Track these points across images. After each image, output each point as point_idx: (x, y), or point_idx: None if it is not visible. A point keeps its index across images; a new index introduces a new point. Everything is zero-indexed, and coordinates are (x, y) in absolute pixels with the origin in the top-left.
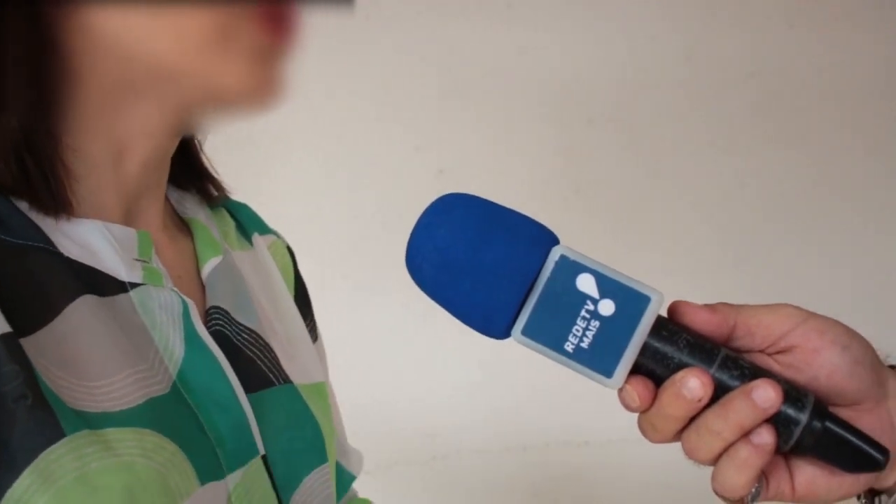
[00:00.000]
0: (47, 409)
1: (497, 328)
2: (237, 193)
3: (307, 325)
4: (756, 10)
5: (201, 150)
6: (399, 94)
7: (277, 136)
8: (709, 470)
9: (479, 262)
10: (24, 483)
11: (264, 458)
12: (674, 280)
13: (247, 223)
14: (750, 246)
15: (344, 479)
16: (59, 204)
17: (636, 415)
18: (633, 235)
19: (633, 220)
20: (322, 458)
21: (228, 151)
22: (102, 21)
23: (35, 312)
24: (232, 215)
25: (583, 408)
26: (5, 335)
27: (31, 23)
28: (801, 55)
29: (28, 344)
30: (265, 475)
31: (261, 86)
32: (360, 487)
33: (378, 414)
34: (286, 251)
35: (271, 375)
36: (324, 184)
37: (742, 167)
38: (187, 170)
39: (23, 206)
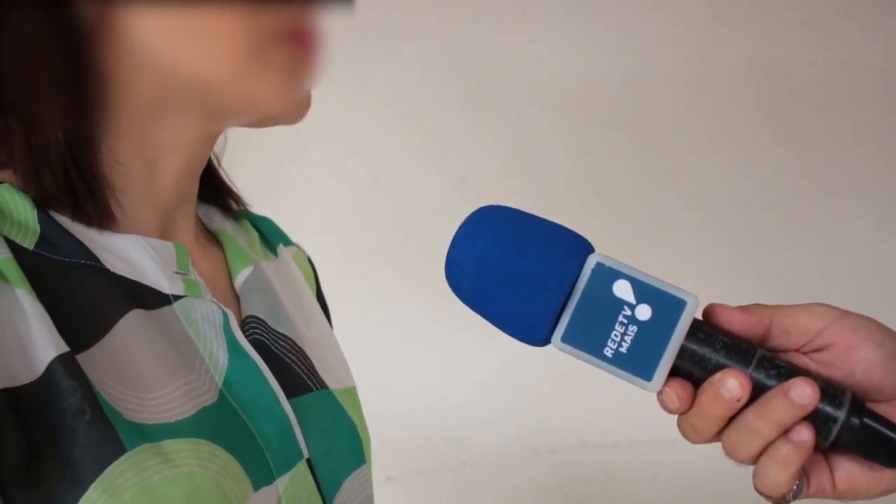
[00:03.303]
0: (107, 424)
1: (537, 336)
2: (257, 203)
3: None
4: (769, 10)
5: (219, 165)
6: (418, 103)
7: (297, 146)
8: (736, 471)
9: (518, 271)
10: (91, 498)
11: (308, 461)
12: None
13: (271, 235)
14: (771, 245)
15: None
16: (104, 216)
17: (664, 416)
18: (655, 236)
19: (653, 221)
20: (360, 459)
21: (248, 162)
22: (140, 36)
23: (88, 329)
24: (255, 227)
25: (611, 410)
26: (63, 354)
27: (71, 39)
28: (816, 53)
29: (84, 360)
30: (310, 478)
31: (293, 100)
32: (388, 494)
33: (404, 421)
34: (308, 262)
35: (309, 381)
36: (345, 193)
37: (760, 166)
38: (208, 185)
39: (63, 221)
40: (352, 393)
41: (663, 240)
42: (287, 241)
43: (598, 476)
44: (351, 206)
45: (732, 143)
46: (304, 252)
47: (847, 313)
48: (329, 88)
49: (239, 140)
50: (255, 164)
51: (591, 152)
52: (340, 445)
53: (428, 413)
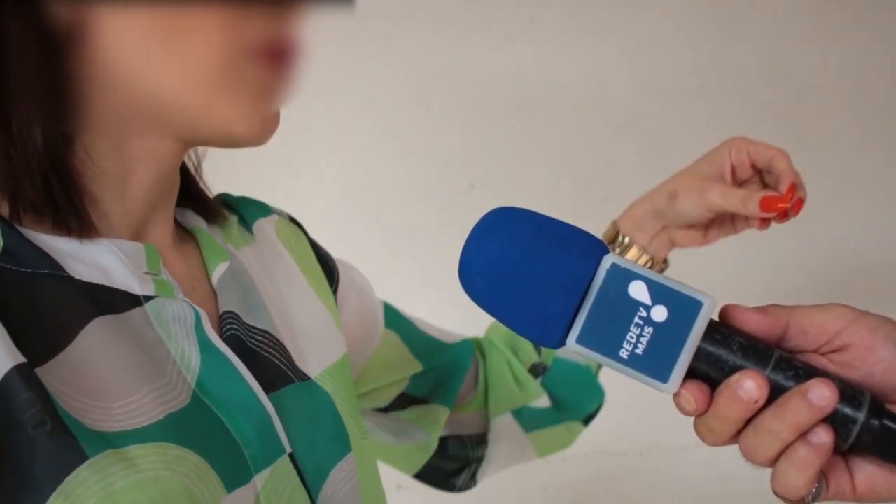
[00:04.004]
0: (68, 434)
1: (552, 338)
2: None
3: (333, 289)
4: (780, 16)
5: (197, 172)
6: (426, 110)
7: (305, 153)
8: (748, 478)
9: (532, 273)
10: None
11: (291, 455)
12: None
13: (247, 213)
14: (782, 248)
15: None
16: (84, 225)
17: (676, 424)
18: None
19: None
20: (345, 448)
21: (254, 168)
22: (113, 55)
23: (49, 341)
24: (232, 209)
25: (623, 417)
26: (19, 365)
27: (45, 43)
28: (826, 59)
29: (44, 372)
30: (293, 473)
31: (260, 124)
32: (397, 503)
33: None
34: (292, 225)
35: (289, 372)
36: (352, 201)
37: None
38: (186, 194)
39: (28, 233)
40: (340, 367)
41: None
42: (266, 211)
43: (610, 484)
44: (358, 214)
45: None
46: (285, 216)
47: (865, 313)
48: (336, 95)
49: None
50: (261, 170)
51: (601, 158)
52: (324, 436)
53: None
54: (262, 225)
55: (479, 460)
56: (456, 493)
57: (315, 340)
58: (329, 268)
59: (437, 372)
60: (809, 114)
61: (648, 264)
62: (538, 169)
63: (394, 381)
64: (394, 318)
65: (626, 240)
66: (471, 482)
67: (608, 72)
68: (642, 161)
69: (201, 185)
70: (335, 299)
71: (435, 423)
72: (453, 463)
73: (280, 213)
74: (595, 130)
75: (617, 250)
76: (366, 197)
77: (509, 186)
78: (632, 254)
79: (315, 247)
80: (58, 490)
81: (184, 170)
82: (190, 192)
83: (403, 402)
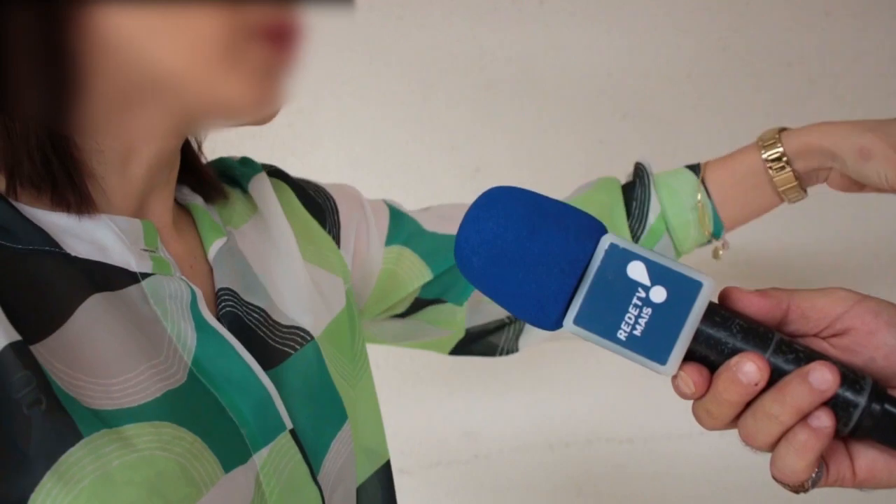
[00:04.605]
0: (63, 413)
1: (549, 318)
2: None
3: (332, 231)
4: (792, 0)
5: (200, 151)
6: (432, 94)
7: (310, 138)
8: (751, 465)
9: (529, 252)
10: (46, 487)
11: (293, 431)
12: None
13: (240, 177)
14: (789, 235)
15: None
16: (83, 202)
17: (679, 411)
18: None
19: None
20: (343, 417)
21: (260, 153)
22: (113, 28)
23: (45, 318)
24: (232, 179)
25: (626, 404)
26: (14, 343)
27: (45, 28)
28: (838, 44)
29: (41, 350)
30: (295, 449)
31: (263, 101)
32: (401, 487)
33: (418, 414)
34: (275, 179)
35: (286, 347)
36: (357, 185)
37: None
38: (189, 171)
39: (24, 209)
40: (336, 326)
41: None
42: (256, 169)
43: (613, 470)
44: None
45: (751, 134)
46: (265, 169)
47: (867, 297)
48: (342, 78)
49: (250, 131)
50: (267, 155)
51: (608, 143)
52: (323, 409)
53: (442, 406)
54: (256, 184)
55: (522, 322)
56: (500, 357)
57: (310, 308)
58: (321, 211)
59: (449, 274)
60: (822, 101)
61: (793, 195)
62: (545, 153)
63: (406, 293)
64: (398, 227)
65: (784, 158)
66: (514, 344)
67: (617, 56)
68: (651, 146)
69: (202, 160)
70: (337, 239)
71: (454, 320)
72: (491, 323)
73: (265, 167)
74: (603, 115)
75: (764, 156)
76: (372, 180)
77: (516, 171)
78: (779, 177)
79: (301, 191)
80: (52, 470)
81: (184, 145)
82: (189, 169)
83: (419, 305)
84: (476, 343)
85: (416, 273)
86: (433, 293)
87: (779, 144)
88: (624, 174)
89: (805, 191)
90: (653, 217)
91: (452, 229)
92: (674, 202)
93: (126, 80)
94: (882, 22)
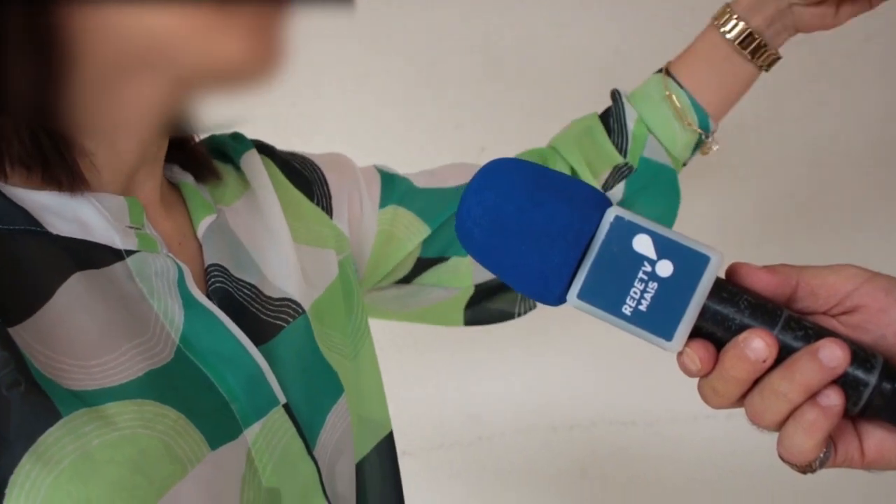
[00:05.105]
0: (41, 394)
1: (552, 293)
2: None
3: (321, 205)
4: None
5: (196, 133)
6: (436, 73)
7: (313, 117)
8: (756, 449)
9: (532, 224)
10: (25, 469)
11: (286, 406)
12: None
13: (232, 152)
14: (797, 215)
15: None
16: (75, 179)
17: (683, 394)
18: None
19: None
20: (339, 390)
21: (261, 134)
22: None
23: (24, 300)
24: (224, 155)
25: (630, 386)
26: None
27: (29, 3)
28: (851, 23)
29: (20, 332)
30: (288, 423)
31: (261, 56)
32: (403, 469)
33: (420, 395)
34: (262, 155)
35: (277, 321)
36: (362, 163)
37: (790, 136)
38: (179, 148)
39: (7, 189)
40: (327, 298)
41: (687, 214)
42: (248, 145)
43: (617, 453)
44: None
45: (757, 116)
46: (254, 145)
47: (878, 274)
48: (346, 58)
49: (250, 112)
50: (269, 133)
51: None
52: (318, 381)
53: (444, 388)
54: (248, 160)
55: None
56: (517, 319)
57: (298, 282)
58: (307, 184)
59: (448, 226)
60: (834, 81)
61: (762, 54)
62: (551, 133)
63: (406, 253)
64: (390, 188)
65: (739, 23)
66: (528, 301)
67: (623, 35)
68: None
69: (195, 138)
70: (329, 210)
71: (459, 276)
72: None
73: (252, 144)
74: (608, 95)
75: (721, 29)
76: (375, 160)
77: (521, 150)
78: (741, 38)
79: (287, 165)
80: (30, 451)
81: (178, 124)
82: (179, 146)
83: (421, 266)
84: (488, 307)
85: (413, 230)
86: (435, 250)
87: (729, 10)
88: None
89: (776, 50)
90: (631, 123)
91: (444, 185)
92: (647, 104)
93: (117, 50)
94: (893, 3)
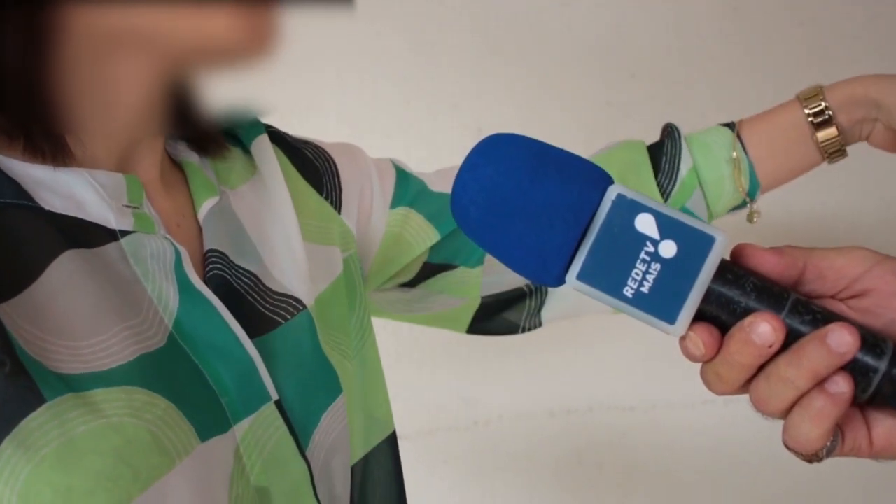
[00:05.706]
0: (25, 376)
1: (550, 274)
2: None
3: (330, 199)
4: None
5: (201, 104)
6: (434, 51)
7: (310, 99)
8: (755, 437)
9: (531, 201)
10: (5, 454)
11: (279, 403)
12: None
13: (243, 134)
14: (803, 194)
15: None
16: (58, 151)
17: (683, 380)
18: None
19: None
20: (336, 391)
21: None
22: None
23: (13, 276)
24: (234, 137)
25: (629, 372)
26: None
27: None
28: (856, 4)
29: (7, 310)
30: (279, 421)
31: (252, 33)
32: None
33: (416, 379)
34: (271, 139)
35: (275, 317)
36: (358, 144)
37: None
38: (179, 121)
39: (1, 161)
40: (330, 296)
41: None
42: (259, 129)
43: (614, 438)
44: None
45: (762, 95)
46: (266, 131)
47: (888, 257)
48: (341, 36)
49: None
50: (268, 116)
51: (616, 104)
52: (314, 381)
53: (440, 371)
54: (259, 144)
55: (543, 292)
56: (521, 334)
57: (302, 277)
58: (318, 176)
59: (457, 235)
60: (837, 63)
61: (834, 151)
62: (550, 113)
63: (414, 257)
64: (404, 188)
65: (827, 111)
66: (536, 318)
67: (625, 14)
68: (659, 107)
69: (203, 114)
70: (337, 204)
71: (467, 287)
72: (509, 292)
73: (264, 128)
74: (610, 74)
75: (806, 110)
76: (372, 139)
77: (519, 130)
78: (822, 131)
79: (299, 153)
80: (11, 435)
81: (180, 98)
82: (185, 123)
83: (428, 272)
84: (494, 318)
85: (423, 235)
86: (442, 257)
87: (821, 97)
88: (632, 133)
89: (845, 149)
90: (685, 170)
91: None
92: (707, 156)
93: (106, 25)
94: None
